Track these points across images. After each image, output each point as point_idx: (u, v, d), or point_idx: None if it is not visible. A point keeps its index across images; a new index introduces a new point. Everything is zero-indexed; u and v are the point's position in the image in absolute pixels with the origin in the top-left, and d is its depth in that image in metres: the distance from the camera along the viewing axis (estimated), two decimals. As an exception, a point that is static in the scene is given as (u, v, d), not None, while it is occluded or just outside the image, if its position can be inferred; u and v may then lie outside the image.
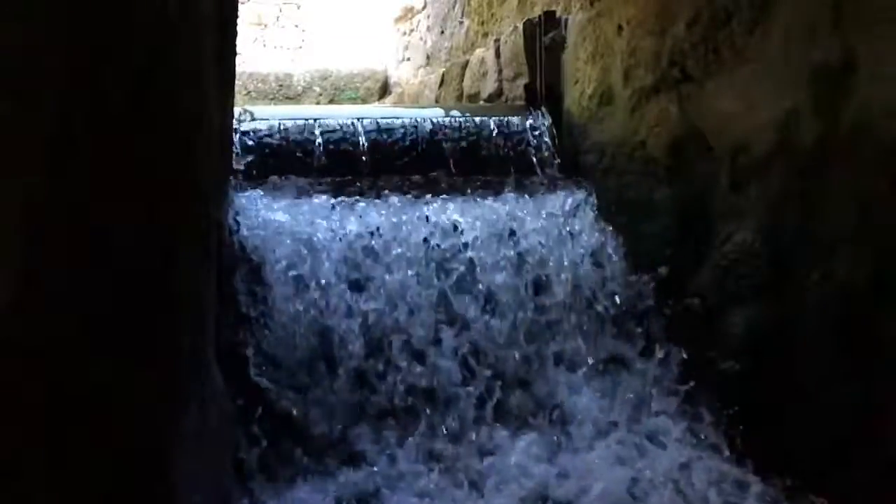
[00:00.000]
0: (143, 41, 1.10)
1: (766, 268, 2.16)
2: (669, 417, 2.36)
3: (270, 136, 2.82)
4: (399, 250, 2.45)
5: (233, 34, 2.00)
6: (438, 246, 2.49)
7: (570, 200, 2.74)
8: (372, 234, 2.46)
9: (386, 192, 2.63)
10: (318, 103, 6.73)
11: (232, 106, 2.18)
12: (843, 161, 1.92)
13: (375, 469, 2.16)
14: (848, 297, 1.91)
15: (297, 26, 8.28)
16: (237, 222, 2.38)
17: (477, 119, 3.05)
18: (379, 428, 2.27)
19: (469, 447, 2.25)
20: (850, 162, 1.90)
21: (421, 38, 5.92)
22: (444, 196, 2.65)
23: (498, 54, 3.61)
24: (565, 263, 2.58)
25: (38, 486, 0.94)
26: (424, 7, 5.85)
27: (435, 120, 3.01)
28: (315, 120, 2.90)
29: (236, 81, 2.20)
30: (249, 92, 6.68)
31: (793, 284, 2.07)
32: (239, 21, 2.08)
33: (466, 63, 4.11)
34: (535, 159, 3.02)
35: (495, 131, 3.02)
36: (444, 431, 2.28)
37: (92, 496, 1.01)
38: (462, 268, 2.48)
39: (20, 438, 0.92)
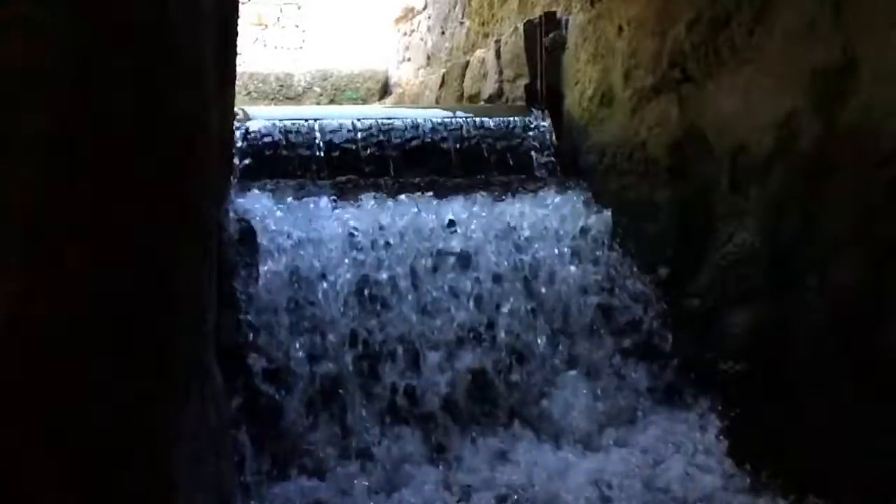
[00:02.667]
0: (143, 41, 1.10)
1: (766, 268, 2.16)
2: (669, 418, 2.36)
3: (268, 137, 2.82)
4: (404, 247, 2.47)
5: (233, 34, 2.00)
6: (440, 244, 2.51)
7: (570, 201, 2.75)
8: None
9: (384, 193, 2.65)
10: (318, 104, 6.73)
11: (232, 106, 2.18)
12: (842, 162, 1.92)
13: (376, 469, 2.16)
14: (847, 298, 1.91)
15: (297, 26, 8.27)
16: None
17: (477, 120, 3.05)
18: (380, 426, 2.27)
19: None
20: (850, 163, 1.90)
21: (421, 39, 5.92)
22: (445, 197, 2.67)
23: (498, 55, 3.62)
24: (566, 263, 2.58)
25: (37, 485, 0.94)
26: (425, 7, 5.85)
27: (435, 121, 3.01)
28: (315, 121, 2.90)
29: (237, 82, 2.20)
30: (250, 92, 6.68)
31: (793, 285, 2.06)
32: (239, 21, 2.07)
33: (467, 64, 4.11)
34: (535, 160, 3.02)
35: (496, 132, 3.02)
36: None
37: (92, 496, 1.01)
38: (460, 265, 2.49)
39: (20, 438, 0.92)
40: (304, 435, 2.21)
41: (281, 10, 8.26)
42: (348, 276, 2.40)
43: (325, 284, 2.37)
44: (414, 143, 2.93)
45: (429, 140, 2.94)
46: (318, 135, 2.84)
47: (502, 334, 2.45)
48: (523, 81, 3.33)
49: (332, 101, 6.87)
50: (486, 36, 4.43)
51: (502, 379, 2.41)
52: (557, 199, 2.76)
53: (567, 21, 3.18)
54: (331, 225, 2.49)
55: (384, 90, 6.95)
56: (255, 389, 2.19)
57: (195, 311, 1.46)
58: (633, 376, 2.47)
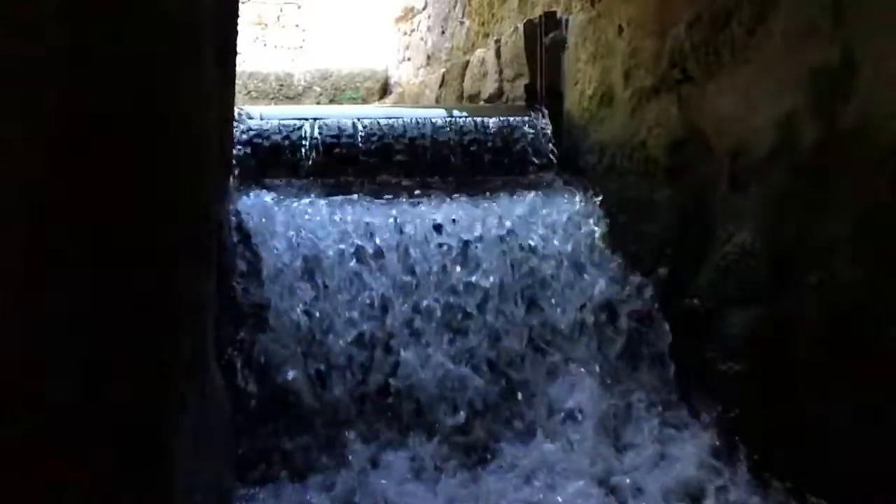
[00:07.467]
0: (143, 40, 1.10)
1: (766, 269, 2.16)
2: (668, 420, 2.36)
3: (267, 136, 2.81)
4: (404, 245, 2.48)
5: (233, 33, 2.00)
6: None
7: (569, 200, 2.75)
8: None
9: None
10: (318, 103, 6.74)
11: (232, 106, 2.18)
12: (842, 162, 1.92)
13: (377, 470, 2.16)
14: (847, 299, 1.91)
15: (297, 26, 8.27)
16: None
17: (477, 119, 3.04)
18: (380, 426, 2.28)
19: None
20: (850, 163, 1.90)
21: (421, 39, 5.93)
22: (444, 197, 2.67)
23: (498, 55, 3.62)
24: (564, 262, 2.58)
25: (38, 484, 0.94)
26: (425, 7, 5.85)
27: (435, 121, 3.00)
28: (314, 120, 2.89)
29: (237, 81, 2.20)
30: (250, 92, 6.69)
31: (792, 285, 2.06)
32: (239, 20, 2.08)
33: (467, 63, 4.11)
34: (535, 160, 3.01)
35: (495, 132, 3.01)
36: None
37: (92, 495, 1.01)
38: (455, 264, 2.49)
39: (20, 438, 0.92)
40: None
41: (281, 10, 8.26)
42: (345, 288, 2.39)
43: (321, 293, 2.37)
44: (413, 143, 2.93)
45: (428, 140, 2.94)
46: (318, 135, 2.84)
47: (497, 333, 2.45)
48: (523, 81, 3.33)
49: (332, 101, 6.88)
50: (486, 36, 4.43)
51: (497, 376, 2.41)
52: (557, 199, 2.76)
53: (567, 21, 3.18)
54: (328, 226, 2.49)
55: (384, 90, 6.96)
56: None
57: (195, 310, 1.46)
58: (632, 377, 2.47)
